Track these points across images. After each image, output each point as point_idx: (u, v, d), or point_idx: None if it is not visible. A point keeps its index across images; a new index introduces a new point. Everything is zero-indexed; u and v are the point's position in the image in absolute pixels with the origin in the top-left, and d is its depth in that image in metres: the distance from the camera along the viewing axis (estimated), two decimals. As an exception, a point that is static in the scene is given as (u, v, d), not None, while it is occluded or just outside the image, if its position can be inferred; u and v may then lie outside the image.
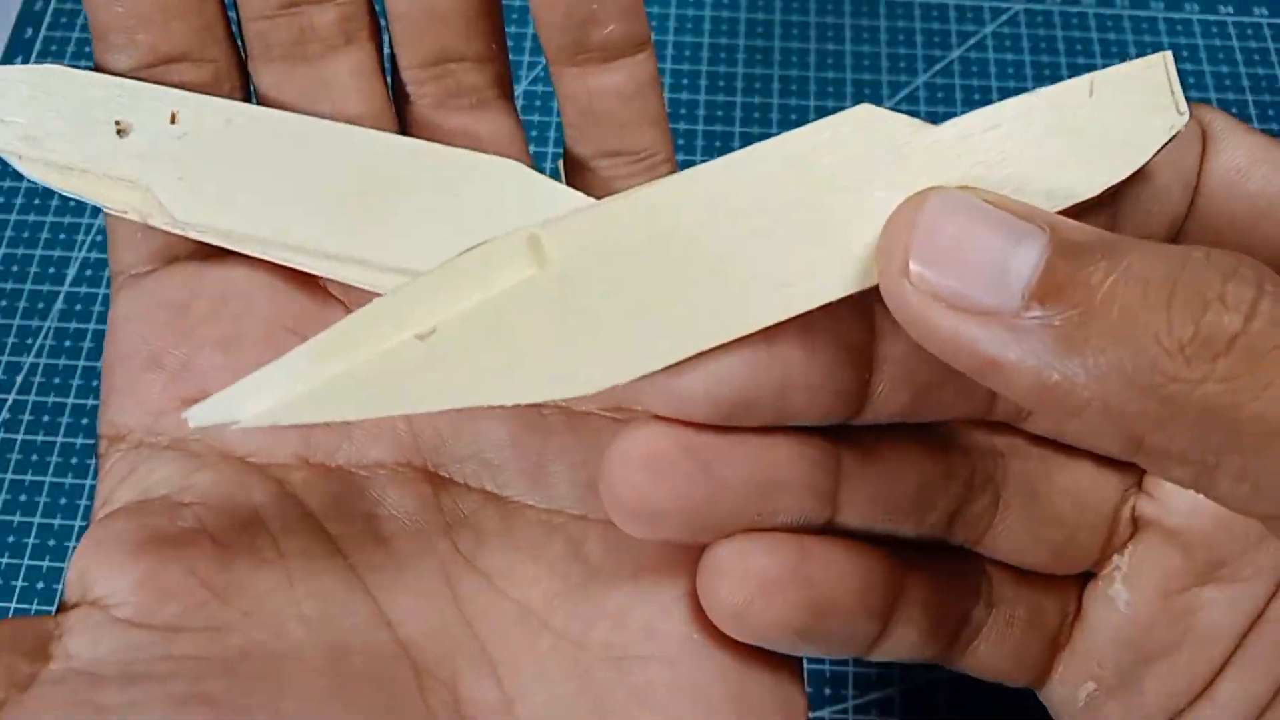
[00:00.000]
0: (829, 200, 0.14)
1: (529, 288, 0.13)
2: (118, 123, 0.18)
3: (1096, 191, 0.14)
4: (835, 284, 0.14)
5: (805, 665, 0.30)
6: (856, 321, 0.15)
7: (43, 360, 0.35)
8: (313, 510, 0.17)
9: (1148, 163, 0.14)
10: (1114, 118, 0.14)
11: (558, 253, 0.13)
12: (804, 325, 0.14)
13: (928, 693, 0.30)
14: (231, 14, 0.19)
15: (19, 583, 0.32)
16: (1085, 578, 0.19)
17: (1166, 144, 0.14)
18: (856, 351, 0.15)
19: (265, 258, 0.18)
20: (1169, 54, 0.14)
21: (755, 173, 0.13)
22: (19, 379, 0.35)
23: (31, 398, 0.34)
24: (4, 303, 0.36)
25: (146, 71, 0.18)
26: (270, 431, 0.17)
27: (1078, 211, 0.14)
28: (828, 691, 0.30)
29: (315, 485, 0.17)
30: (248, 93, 0.20)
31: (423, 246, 0.17)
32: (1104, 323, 0.11)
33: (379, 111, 0.19)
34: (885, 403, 0.16)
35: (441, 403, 0.14)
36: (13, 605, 0.32)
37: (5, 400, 0.34)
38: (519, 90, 0.39)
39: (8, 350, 0.35)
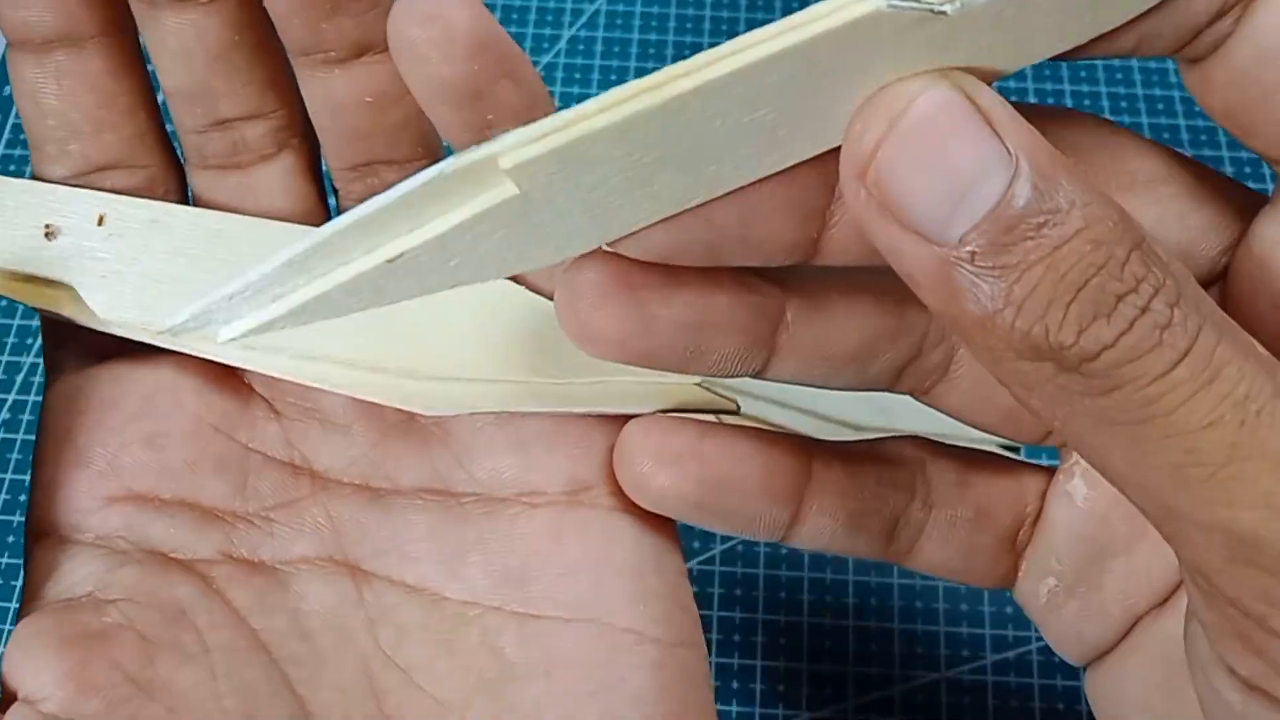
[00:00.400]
0: (823, 91, 0.13)
1: (494, 211, 0.13)
2: (47, 226, 0.18)
3: (1083, 42, 0.14)
4: (810, 149, 0.14)
5: (806, 665, 0.30)
6: (814, 181, 0.15)
7: (42, 360, 0.35)
8: (236, 606, 0.17)
9: (1150, 7, 0.13)
10: None
11: (524, 181, 0.13)
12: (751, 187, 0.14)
13: (928, 692, 0.30)
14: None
15: (19, 583, 0.32)
16: (1049, 477, 0.19)
17: None
18: (810, 209, 0.15)
19: (191, 353, 0.18)
20: None
21: (746, 83, 0.13)
22: (19, 379, 0.35)
23: (31, 398, 0.34)
24: (4, 302, 0.36)
25: (82, 179, 0.19)
26: (193, 528, 0.18)
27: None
28: (828, 691, 0.30)
29: (239, 580, 0.18)
30: (184, 194, 0.20)
31: (345, 331, 0.17)
32: (1017, 293, 0.12)
33: (309, 210, 0.20)
34: (837, 253, 0.15)
35: (408, 296, 0.15)
36: (13, 605, 0.32)
37: (5, 400, 0.34)
38: (519, 90, 0.39)
39: (8, 350, 0.35)
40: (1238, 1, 0.14)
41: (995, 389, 0.17)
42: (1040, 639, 0.31)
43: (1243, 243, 0.15)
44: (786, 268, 0.16)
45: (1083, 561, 0.18)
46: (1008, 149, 0.12)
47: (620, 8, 0.41)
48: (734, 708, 0.30)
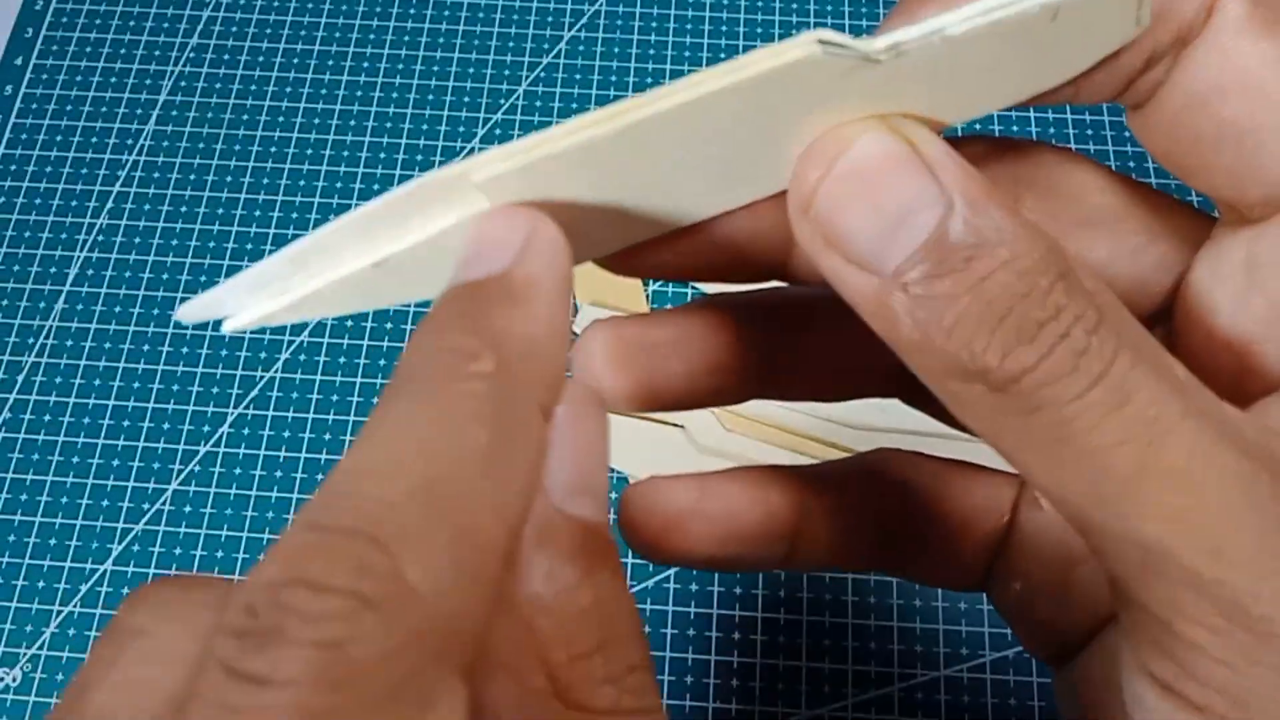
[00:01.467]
0: (771, 130, 0.14)
1: (467, 224, 0.14)
2: None
3: (1020, 99, 0.14)
4: (762, 190, 0.15)
5: (805, 663, 0.30)
6: (779, 217, 0.15)
7: (43, 360, 0.35)
8: None
9: (1084, 71, 0.14)
10: (1068, 36, 0.14)
11: (496, 196, 0.14)
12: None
13: (927, 690, 0.30)
14: None
15: (19, 582, 0.32)
16: (1020, 484, 0.19)
17: (1109, 55, 0.14)
18: (775, 241, 0.16)
19: None
20: None
21: (697, 115, 0.13)
22: (19, 379, 0.35)
23: (32, 397, 0.34)
24: (4, 302, 0.36)
25: None
26: None
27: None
28: (827, 690, 0.30)
29: None
30: None
31: None
32: (947, 319, 0.13)
33: None
34: (803, 276, 0.17)
35: (400, 300, 0.16)
36: (13, 604, 0.32)
37: (6, 400, 0.34)
38: (519, 89, 0.40)
39: (8, 350, 0.35)
40: (1168, 50, 0.14)
41: None
42: (1039, 637, 0.31)
43: (1184, 278, 0.16)
44: (788, 296, 0.17)
45: (1050, 564, 0.18)
46: (940, 185, 0.13)
47: (620, 9, 0.41)
48: (733, 705, 0.30)
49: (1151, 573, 0.13)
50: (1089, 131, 0.39)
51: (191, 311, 0.15)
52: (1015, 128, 0.39)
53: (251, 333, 0.35)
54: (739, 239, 0.15)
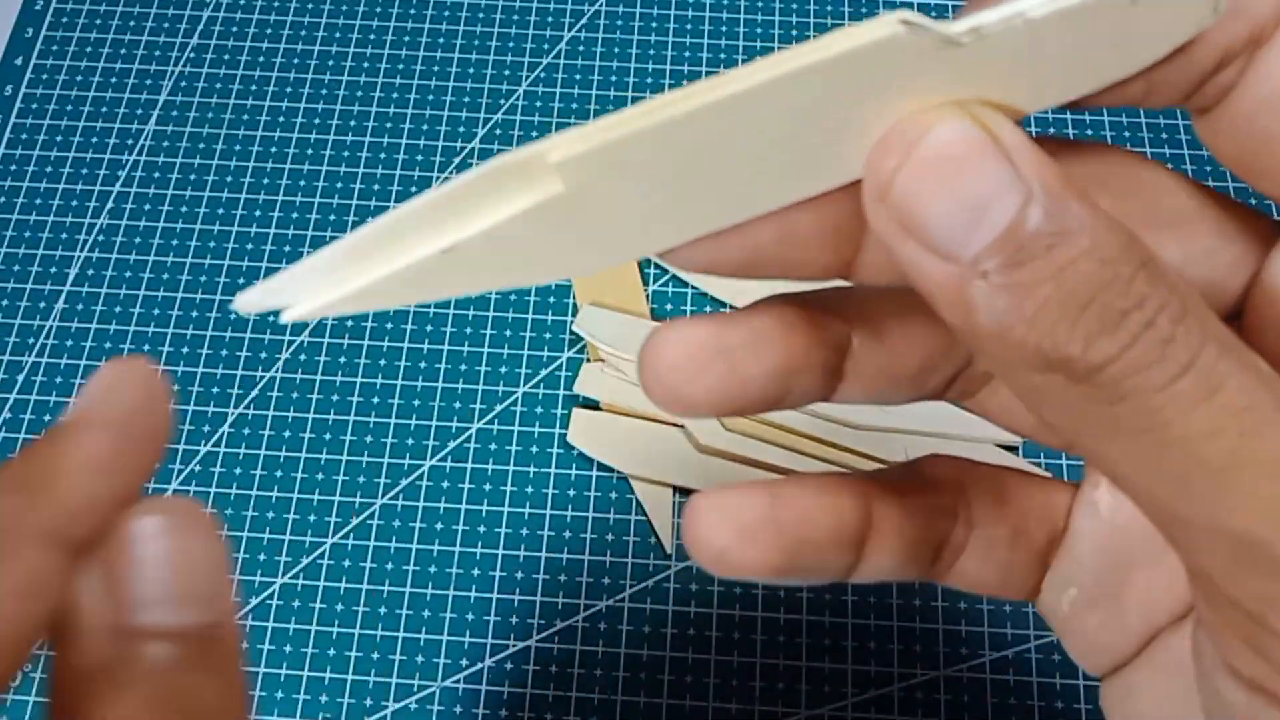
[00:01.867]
0: (849, 112, 0.13)
1: (542, 208, 0.14)
2: None
3: (1098, 89, 0.14)
4: (840, 176, 0.14)
5: (804, 663, 0.30)
6: (848, 207, 0.15)
7: (44, 360, 0.35)
8: None
9: (1161, 59, 0.14)
10: (1147, 21, 0.14)
11: (572, 178, 0.14)
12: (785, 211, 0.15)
13: (926, 690, 0.30)
14: None
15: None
16: (1075, 491, 0.19)
17: (1183, 46, 0.14)
18: (844, 234, 0.16)
19: None
20: None
21: (774, 97, 0.13)
22: (19, 379, 0.35)
23: (32, 397, 0.34)
24: (4, 302, 0.36)
25: None
26: None
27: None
28: (827, 689, 0.30)
29: None
30: None
31: None
32: (1027, 308, 0.12)
33: None
34: (870, 275, 0.16)
35: (463, 291, 0.15)
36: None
37: (6, 400, 0.34)
38: (519, 89, 0.40)
39: (8, 350, 0.35)
40: (1241, 51, 0.14)
41: None
42: (1039, 638, 0.31)
43: (1257, 279, 0.16)
44: (847, 298, 0.17)
45: (1105, 572, 0.18)
46: (1019, 174, 0.13)
47: (620, 8, 0.41)
48: (733, 705, 0.30)
49: (1243, 566, 0.12)
50: (1163, 135, 0.39)
51: (249, 301, 0.15)
52: (1089, 131, 0.39)
53: (252, 333, 0.35)
54: (808, 233, 0.15)
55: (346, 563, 0.32)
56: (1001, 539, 0.19)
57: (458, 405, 0.34)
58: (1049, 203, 0.13)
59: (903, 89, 0.13)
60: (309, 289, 0.15)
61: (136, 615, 0.13)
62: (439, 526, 0.32)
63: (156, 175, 0.38)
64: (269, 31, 0.41)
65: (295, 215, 0.37)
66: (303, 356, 0.35)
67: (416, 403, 0.34)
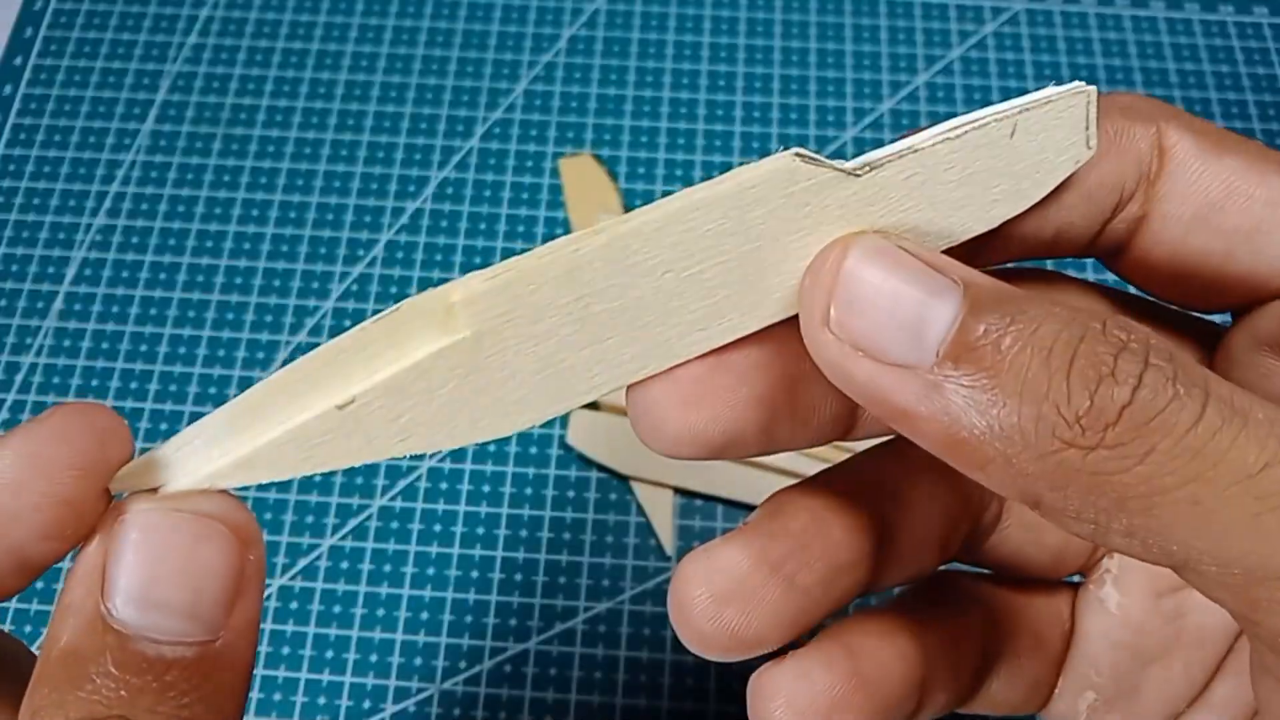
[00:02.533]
0: (757, 248, 0.14)
1: (445, 354, 0.13)
2: None
3: (994, 225, 0.15)
4: (756, 318, 0.14)
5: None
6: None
7: (42, 360, 0.35)
8: None
9: (1043, 197, 0.15)
10: (1027, 154, 0.14)
11: (474, 321, 0.13)
12: (769, 367, 0.15)
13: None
14: None
15: (18, 583, 0.32)
16: (1076, 592, 0.19)
17: (1067, 178, 0.15)
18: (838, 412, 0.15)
19: None
20: (1094, 89, 0.15)
21: (680, 229, 0.13)
22: (19, 379, 0.35)
23: (31, 398, 0.34)
24: (3, 302, 0.36)
25: None
26: None
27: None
28: (828, 692, 0.30)
29: None
30: None
31: None
32: (1010, 388, 0.11)
33: None
34: (870, 425, 0.16)
35: (364, 458, 0.14)
36: (13, 604, 0.32)
37: (5, 400, 0.34)
38: (518, 89, 0.39)
39: (6, 350, 0.35)
40: (1135, 189, 0.15)
41: (1044, 529, 0.17)
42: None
43: (1220, 348, 0.16)
44: (866, 470, 0.16)
45: (1121, 670, 0.18)
46: (948, 275, 0.13)
47: (620, 7, 0.41)
48: (734, 708, 0.30)
49: None
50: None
51: (127, 480, 0.13)
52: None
53: (250, 333, 0.35)
54: (785, 401, 0.15)
55: (345, 564, 0.32)
56: (1025, 650, 0.18)
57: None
58: (991, 290, 0.12)
59: (809, 225, 0.14)
60: (192, 458, 0.13)
61: (112, 607, 0.12)
62: (437, 528, 0.32)
63: (155, 175, 0.38)
64: (267, 30, 0.41)
65: (294, 215, 0.37)
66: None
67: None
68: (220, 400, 0.34)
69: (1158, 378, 0.11)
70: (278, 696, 0.30)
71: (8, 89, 0.40)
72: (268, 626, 0.31)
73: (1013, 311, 0.12)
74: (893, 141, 0.14)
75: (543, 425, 0.34)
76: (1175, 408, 0.11)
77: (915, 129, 0.14)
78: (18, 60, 0.40)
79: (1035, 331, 0.12)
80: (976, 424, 0.12)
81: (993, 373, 0.12)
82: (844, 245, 0.13)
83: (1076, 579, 0.19)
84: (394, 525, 0.32)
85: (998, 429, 0.11)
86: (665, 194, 0.35)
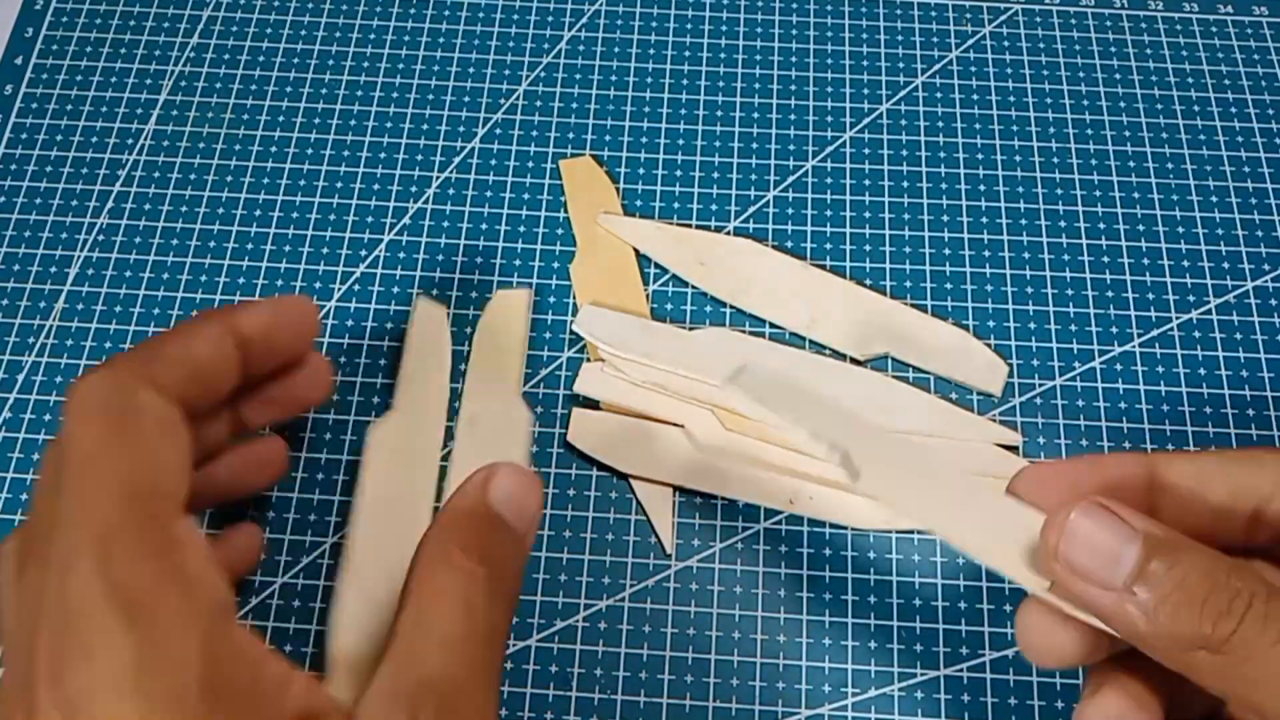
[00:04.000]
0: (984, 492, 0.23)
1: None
2: None
3: None
4: (1020, 567, 0.22)
5: (804, 663, 0.31)
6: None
7: (44, 360, 0.35)
8: None
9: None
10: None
11: (867, 469, 0.23)
12: None
13: (928, 692, 0.30)
14: None
15: (20, 581, 0.32)
16: None
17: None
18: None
19: None
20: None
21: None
22: (19, 378, 0.35)
23: (32, 397, 0.34)
24: (5, 302, 0.36)
25: None
26: None
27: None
28: (827, 689, 0.30)
29: None
30: None
31: None
32: (1169, 607, 0.19)
33: None
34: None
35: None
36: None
37: (6, 400, 0.34)
38: (519, 89, 0.40)
39: (8, 350, 0.35)
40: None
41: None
42: (1039, 637, 0.31)
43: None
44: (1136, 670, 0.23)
45: None
46: (1133, 529, 0.20)
47: (620, 8, 0.41)
48: (733, 705, 0.30)
49: None
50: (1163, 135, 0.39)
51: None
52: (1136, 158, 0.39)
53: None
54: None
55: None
56: None
57: (458, 405, 0.34)
58: (1158, 540, 0.20)
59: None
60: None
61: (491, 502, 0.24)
62: (439, 526, 0.32)
63: (157, 175, 0.38)
64: (269, 31, 0.41)
65: (295, 215, 0.37)
66: (303, 356, 0.35)
67: (416, 402, 0.34)
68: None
69: (1255, 615, 0.19)
70: (279, 694, 0.30)
71: (8, 89, 0.40)
72: (271, 624, 0.31)
73: (1172, 559, 0.20)
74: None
75: (543, 424, 0.34)
76: (1262, 633, 0.19)
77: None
78: (18, 60, 0.40)
79: (1184, 579, 0.20)
80: (1150, 628, 0.20)
81: (1158, 595, 0.20)
82: (1066, 507, 0.21)
83: None
84: (395, 524, 0.32)
85: (1162, 633, 0.20)
86: (665, 194, 0.37)
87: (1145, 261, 0.36)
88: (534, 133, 0.39)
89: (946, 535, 0.22)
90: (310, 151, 0.38)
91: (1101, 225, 0.37)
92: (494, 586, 0.22)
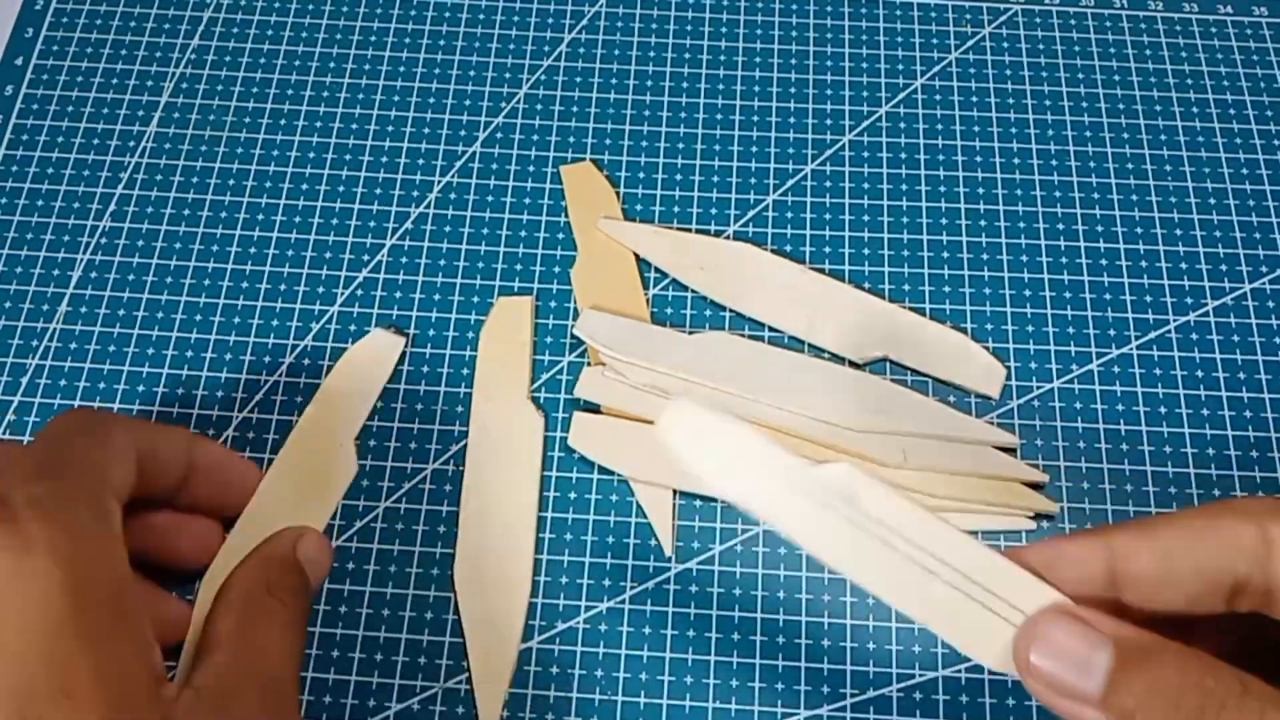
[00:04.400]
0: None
1: None
2: None
3: None
4: (1000, 658, 0.22)
5: (803, 663, 0.31)
6: None
7: (47, 363, 0.35)
8: None
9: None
10: None
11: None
12: None
13: (927, 692, 0.31)
14: None
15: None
16: None
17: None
18: None
19: None
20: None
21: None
22: (23, 381, 0.35)
23: (36, 400, 0.35)
24: (8, 305, 0.36)
25: None
26: None
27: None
28: (826, 690, 0.31)
29: None
30: None
31: None
32: (1143, 714, 0.19)
33: None
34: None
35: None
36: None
37: (10, 402, 0.35)
38: (519, 92, 0.40)
39: (11, 352, 0.35)
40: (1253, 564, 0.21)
41: None
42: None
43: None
44: None
45: None
46: (1100, 635, 0.20)
47: (620, 10, 0.41)
48: (733, 706, 0.30)
49: None
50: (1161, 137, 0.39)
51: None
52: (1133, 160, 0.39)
53: (255, 337, 0.35)
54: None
55: (350, 565, 0.32)
56: None
57: (460, 409, 0.34)
58: (1130, 642, 0.20)
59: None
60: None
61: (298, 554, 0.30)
62: (441, 529, 0.33)
63: (158, 177, 0.38)
64: (270, 33, 0.41)
65: (297, 219, 0.37)
66: (306, 361, 0.35)
67: (419, 406, 0.34)
68: (226, 405, 0.34)
69: (1229, 717, 0.19)
70: (284, 696, 0.31)
71: (8, 89, 0.40)
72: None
73: (1142, 662, 0.20)
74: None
75: (546, 428, 0.34)
76: None
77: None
78: (18, 60, 0.41)
79: (1155, 683, 0.19)
80: None
81: (1133, 705, 0.19)
82: (1037, 617, 0.21)
83: None
84: (399, 527, 0.33)
85: None
86: (664, 198, 0.37)
87: (1143, 264, 0.37)
88: (534, 137, 0.39)
89: (909, 612, 0.22)
90: (311, 154, 0.38)
91: (1099, 227, 0.37)
92: (297, 616, 0.29)
